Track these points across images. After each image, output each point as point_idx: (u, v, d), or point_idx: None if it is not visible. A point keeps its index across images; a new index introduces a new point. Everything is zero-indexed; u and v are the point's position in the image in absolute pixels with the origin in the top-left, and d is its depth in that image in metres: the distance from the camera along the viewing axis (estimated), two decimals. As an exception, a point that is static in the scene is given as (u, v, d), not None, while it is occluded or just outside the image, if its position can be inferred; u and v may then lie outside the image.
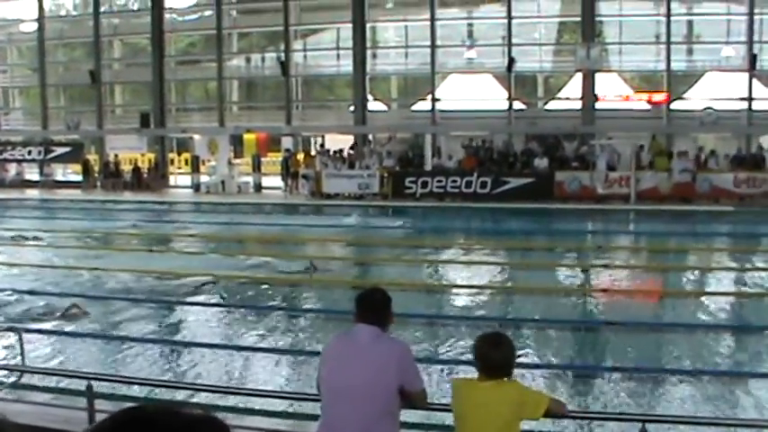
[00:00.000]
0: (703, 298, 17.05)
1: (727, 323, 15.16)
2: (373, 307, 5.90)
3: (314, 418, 6.26)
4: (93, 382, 7.84)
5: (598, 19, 43.02)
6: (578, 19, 42.56)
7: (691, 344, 13.39)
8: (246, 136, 47.92)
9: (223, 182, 43.19)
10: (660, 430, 8.52)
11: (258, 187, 43.51)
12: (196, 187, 44.16)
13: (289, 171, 41.86)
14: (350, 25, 44.44)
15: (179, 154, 52.52)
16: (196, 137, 47.60)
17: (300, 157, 43.04)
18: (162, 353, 12.95)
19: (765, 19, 41.86)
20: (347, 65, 45.19)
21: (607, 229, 30.23)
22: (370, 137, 44.56)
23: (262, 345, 13.30)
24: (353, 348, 5.77)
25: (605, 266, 20.67)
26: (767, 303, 16.91)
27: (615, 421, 9.05)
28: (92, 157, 49.69)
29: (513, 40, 42.95)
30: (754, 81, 41.38)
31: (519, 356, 12.08)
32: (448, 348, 12.91)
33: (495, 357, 5.63)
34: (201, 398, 9.86)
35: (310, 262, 20.03)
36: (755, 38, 41.23)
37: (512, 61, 42.23)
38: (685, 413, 9.93)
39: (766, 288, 18.40)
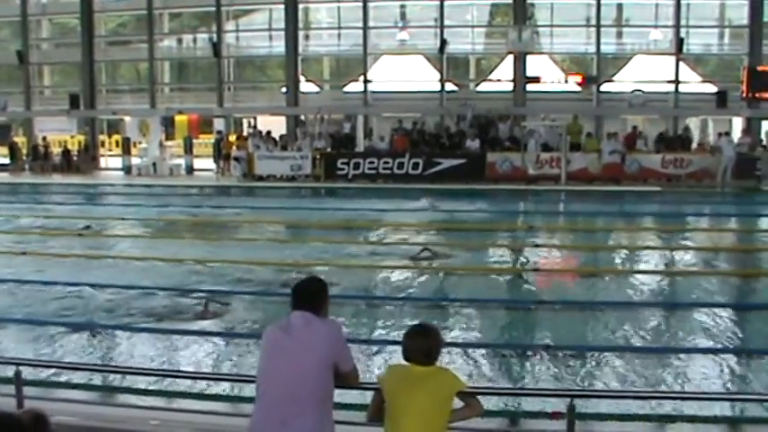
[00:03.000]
0: (632, 276, 17.36)
1: (656, 300, 15.45)
2: (308, 296, 5.99)
3: (251, 400, 6.29)
4: (21, 368, 7.78)
5: (530, 1, 43.62)
6: (510, 1, 43.02)
7: (620, 321, 13.61)
8: (178, 117, 47.53)
9: (154, 164, 42.89)
10: (589, 405, 8.72)
11: (190, 169, 43.22)
12: (127, 169, 43.72)
13: (221, 153, 41.65)
14: (282, 6, 44.33)
15: (109, 136, 52.06)
16: (127, 118, 47.19)
17: (232, 138, 42.82)
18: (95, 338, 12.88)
19: (692, 4, 42.79)
20: (279, 46, 45.12)
21: (538, 210, 30.52)
22: (303, 118, 44.51)
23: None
24: (287, 333, 5.82)
25: (536, 246, 20.95)
26: (694, 281, 17.22)
27: (545, 397, 9.20)
28: (19, 140, 48.91)
29: (446, 22, 43.28)
30: (681, 64, 42.33)
31: (456, 336, 12.45)
32: (384, 328, 13.02)
33: (421, 347, 5.81)
34: (134, 382, 9.92)
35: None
36: (682, 22, 42.17)
37: (444, 43, 42.48)
38: (614, 388, 10.16)
39: (693, 266, 18.82)
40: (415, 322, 6.22)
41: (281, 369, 5.70)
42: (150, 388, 9.80)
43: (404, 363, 5.88)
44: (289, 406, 5.62)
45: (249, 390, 6.92)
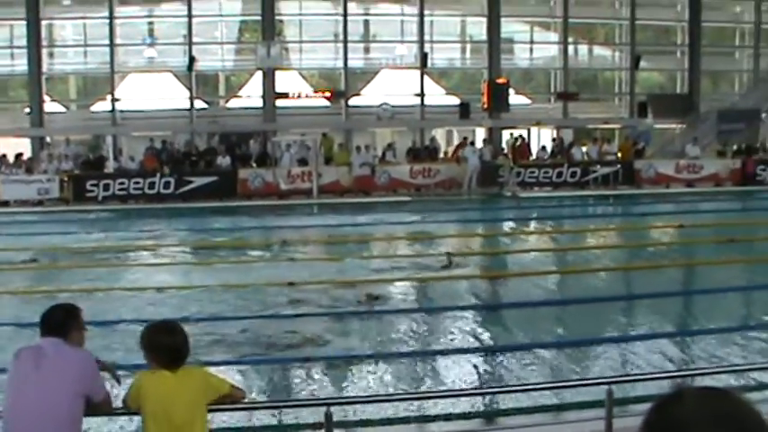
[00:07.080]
0: (385, 284, 17.84)
1: (407, 306, 15.92)
2: (52, 326, 5.78)
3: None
4: None
5: (278, 18, 43.87)
6: (259, 18, 43.12)
7: (379, 328, 13.96)
8: None
9: None
10: (344, 411, 8.89)
11: (-74, 199, 40.83)
12: None
13: (-39, 179, 39.68)
14: (24, 22, 42.67)
15: None
16: None
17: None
18: None
19: (435, 20, 44.54)
20: (22, 64, 43.26)
21: (291, 224, 30.60)
22: (48, 139, 43.08)
23: None
24: (36, 363, 5.58)
25: (291, 260, 21.10)
26: (441, 286, 17.86)
27: (301, 407, 9.32)
28: None
29: (194, 39, 42.91)
30: (426, 78, 43.85)
31: (213, 351, 12.37)
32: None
33: (172, 344, 5.76)
34: None
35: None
36: (426, 38, 43.74)
37: (192, 60, 42.13)
38: (371, 393, 10.42)
39: (440, 271, 19.44)
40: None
41: (30, 401, 5.46)
42: None
43: (152, 371, 5.82)
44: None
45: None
